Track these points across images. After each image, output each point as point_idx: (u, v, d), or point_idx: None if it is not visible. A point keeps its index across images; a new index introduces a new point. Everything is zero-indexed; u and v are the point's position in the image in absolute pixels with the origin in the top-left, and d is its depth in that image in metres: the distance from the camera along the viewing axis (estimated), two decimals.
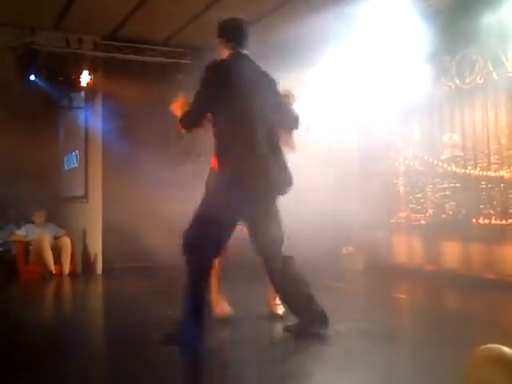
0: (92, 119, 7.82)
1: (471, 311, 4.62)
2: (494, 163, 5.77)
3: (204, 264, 3.27)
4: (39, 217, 7.55)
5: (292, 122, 3.72)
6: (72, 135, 8.54)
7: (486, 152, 5.85)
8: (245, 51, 3.50)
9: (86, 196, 7.91)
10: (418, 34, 5.79)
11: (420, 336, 3.64)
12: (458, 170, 6.14)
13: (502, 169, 5.68)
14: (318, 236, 6.36)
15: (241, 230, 3.52)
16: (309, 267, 6.22)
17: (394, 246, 6.97)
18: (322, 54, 6.45)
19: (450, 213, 6.23)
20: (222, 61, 3.43)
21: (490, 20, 5.37)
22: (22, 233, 7.44)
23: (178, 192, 6.71)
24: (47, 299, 6.25)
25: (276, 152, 3.39)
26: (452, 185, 6.22)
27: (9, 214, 8.18)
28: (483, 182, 5.86)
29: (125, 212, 7.21)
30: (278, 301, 3.96)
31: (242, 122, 3.27)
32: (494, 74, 5.71)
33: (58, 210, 8.12)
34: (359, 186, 7.07)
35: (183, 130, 3.51)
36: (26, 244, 7.35)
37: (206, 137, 3.62)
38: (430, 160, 6.47)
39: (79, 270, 7.62)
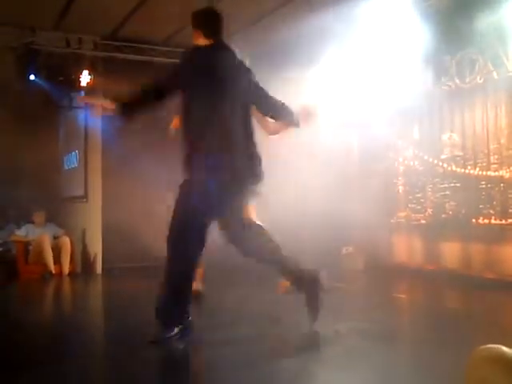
0: (92, 119, 7.82)
1: (471, 311, 4.61)
2: (494, 163, 5.77)
3: (189, 262, 3.28)
4: (39, 217, 7.55)
5: (289, 116, 3.63)
6: (72, 135, 8.53)
7: (486, 152, 5.85)
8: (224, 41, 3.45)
9: (85, 196, 7.91)
10: (418, 34, 5.79)
11: (420, 336, 3.64)
12: (458, 169, 6.15)
13: (501, 168, 5.68)
14: (318, 236, 6.37)
15: None
16: (309, 267, 6.22)
17: (394, 245, 6.98)
18: (322, 54, 6.45)
19: (450, 213, 6.23)
20: (201, 48, 3.39)
21: (490, 20, 5.37)
22: (22, 233, 7.44)
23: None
24: (47, 299, 6.25)
25: (248, 144, 3.35)
26: (452, 184, 6.22)
27: (9, 213, 8.18)
28: (483, 182, 5.86)
29: (125, 212, 7.22)
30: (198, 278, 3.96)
31: (215, 111, 3.24)
32: (494, 74, 5.71)
33: (57, 210, 8.11)
34: (359, 186, 7.07)
35: (172, 129, 3.50)
36: (26, 244, 7.35)
37: None
38: (430, 160, 6.47)
39: (79, 269, 7.62)
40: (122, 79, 7.01)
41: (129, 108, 3.40)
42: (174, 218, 3.29)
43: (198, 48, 3.42)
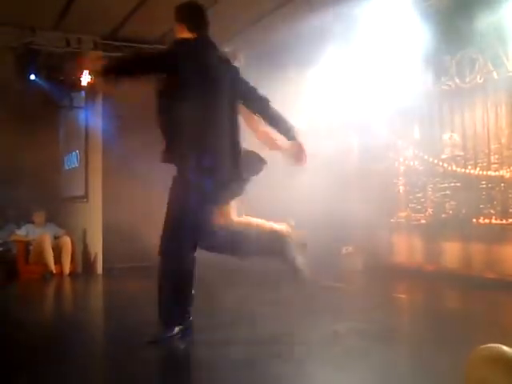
0: (92, 119, 7.82)
1: (471, 311, 4.61)
2: (495, 163, 5.77)
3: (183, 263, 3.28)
4: (39, 217, 7.55)
5: (282, 124, 3.56)
6: (72, 135, 8.54)
7: (487, 151, 5.85)
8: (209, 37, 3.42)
9: (86, 196, 7.91)
10: (418, 34, 5.79)
11: (420, 336, 3.64)
12: (459, 169, 6.14)
13: (502, 168, 5.68)
14: (318, 236, 6.36)
15: None
16: (308, 266, 6.22)
17: (394, 245, 6.97)
18: (322, 54, 6.45)
19: (450, 212, 6.23)
20: (188, 40, 3.34)
21: (490, 19, 5.36)
22: (22, 233, 7.45)
23: None
24: (47, 299, 6.25)
25: (234, 142, 3.33)
26: (452, 184, 6.22)
27: (9, 213, 8.18)
28: (483, 182, 5.86)
29: (125, 212, 7.21)
30: None
31: (206, 109, 3.21)
32: (495, 74, 5.71)
33: (58, 210, 8.12)
34: (359, 186, 7.07)
35: None
36: (26, 244, 7.36)
37: None
38: (430, 159, 6.47)
39: (79, 269, 7.62)
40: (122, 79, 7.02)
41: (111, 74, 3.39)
42: (166, 216, 3.26)
43: (184, 41, 3.36)
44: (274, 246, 3.48)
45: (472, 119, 6.03)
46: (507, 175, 5.61)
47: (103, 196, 7.52)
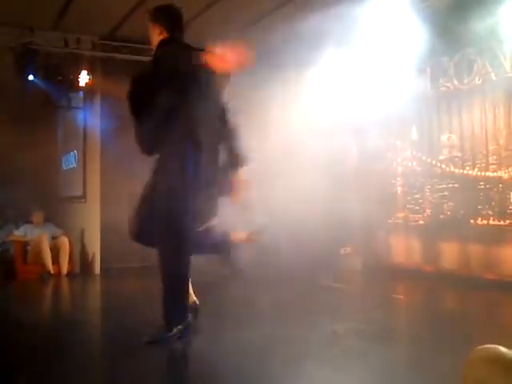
0: (90, 119, 7.82)
1: (469, 311, 4.62)
2: (492, 164, 5.78)
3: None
4: (37, 217, 7.54)
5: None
6: (70, 135, 8.53)
7: (485, 152, 5.86)
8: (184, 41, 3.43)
9: (84, 196, 7.90)
10: (416, 35, 5.80)
11: (418, 336, 3.65)
12: (457, 170, 6.15)
13: (500, 169, 5.69)
14: (317, 236, 6.37)
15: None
16: (307, 267, 6.24)
17: (392, 246, 6.97)
18: (321, 54, 6.45)
19: (449, 213, 6.24)
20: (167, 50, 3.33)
21: (488, 21, 5.37)
22: (21, 233, 7.44)
23: None
24: (45, 299, 6.24)
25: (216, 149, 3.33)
26: (450, 185, 6.23)
27: (7, 213, 8.17)
28: (481, 183, 5.87)
29: (123, 212, 7.18)
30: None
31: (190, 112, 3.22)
32: (493, 75, 5.72)
33: (56, 210, 8.11)
34: (358, 187, 7.07)
35: None
36: (25, 244, 7.35)
37: None
38: (428, 160, 6.48)
39: (77, 269, 7.61)
40: (121, 79, 7.02)
41: None
42: (163, 219, 3.24)
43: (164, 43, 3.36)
44: (220, 245, 3.50)
45: (470, 120, 6.04)
46: (505, 176, 5.62)
47: (101, 196, 7.51)
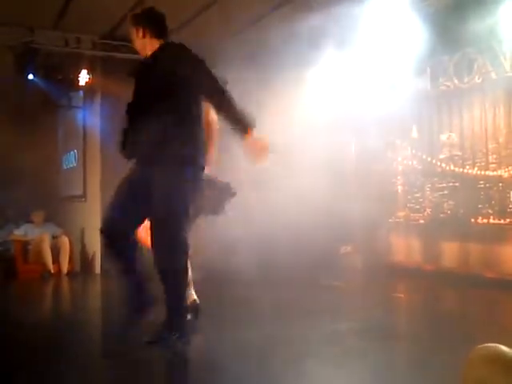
0: (90, 118, 7.82)
1: (469, 310, 4.62)
2: (492, 162, 5.78)
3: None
4: (38, 216, 7.55)
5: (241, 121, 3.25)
6: (70, 134, 8.53)
7: (485, 151, 5.86)
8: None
9: (84, 195, 7.91)
10: (416, 34, 5.80)
11: (418, 335, 3.65)
12: (457, 169, 6.15)
13: (500, 168, 5.69)
14: (317, 235, 6.37)
15: None
16: (307, 266, 6.24)
17: (393, 245, 6.98)
18: (321, 54, 6.45)
19: (449, 212, 6.24)
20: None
21: (488, 20, 5.37)
22: (21, 232, 7.44)
23: None
24: (46, 298, 6.25)
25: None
26: (450, 184, 6.23)
27: (7, 213, 8.18)
28: (481, 182, 5.87)
29: None
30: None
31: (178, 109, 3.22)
32: (493, 74, 5.72)
33: (56, 210, 8.11)
34: (358, 186, 7.08)
35: None
36: (25, 243, 7.35)
37: None
38: (429, 159, 6.48)
39: (78, 269, 7.62)
40: (121, 78, 7.02)
41: None
42: (162, 216, 3.21)
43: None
44: None
45: (470, 119, 6.04)
46: (505, 175, 5.63)
47: (101, 195, 7.50)
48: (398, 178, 6.95)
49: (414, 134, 6.72)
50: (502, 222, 5.65)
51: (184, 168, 3.19)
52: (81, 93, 7.91)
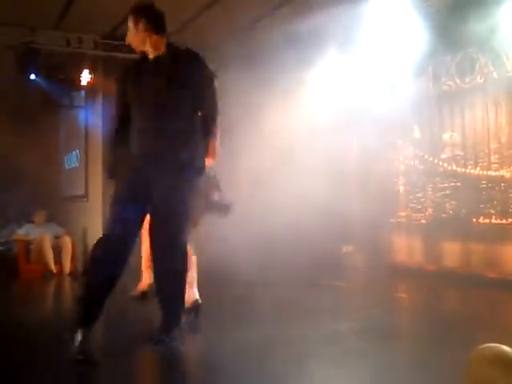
0: (92, 118, 7.83)
1: (471, 310, 4.61)
2: (495, 162, 5.77)
3: None
4: (40, 216, 7.55)
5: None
6: (72, 134, 8.54)
7: (487, 151, 5.85)
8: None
9: (86, 195, 7.91)
10: (418, 34, 5.79)
11: (420, 335, 3.64)
12: (459, 169, 6.14)
13: (502, 168, 5.68)
14: (318, 235, 6.37)
15: None
16: (308, 266, 6.23)
17: (395, 245, 6.97)
18: (321, 54, 6.45)
19: (451, 212, 6.23)
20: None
21: (490, 19, 5.36)
22: (23, 232, 7.45)
23: None
24: (48, 298, 6.25)
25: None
26: (452, 184, 6.22)
27: (9, 213, 8.18)
28: (483, 182, 5.86)
29: None
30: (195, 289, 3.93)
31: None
32: (495, 74, 5.71)
33: (58, 210, 8.11)
34: (359, 185, 7.07)
35: None
36: (27, 243, 7.35)
37: None
38: (431, 159, 6.47)
39: (80, 269, 7.62)
40: None
41: None
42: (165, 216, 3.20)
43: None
44: None
45: (472, 119, 6.03)
46: (507, 175, 5.62)
47: (103, 195, 7.51)
48: (400, 177, 6.94)
49: (416, 133, 6.72)
50: (503, 222, 5.64)
51: (184, 168, 3.18)
52: (82, 92, 7.92)
